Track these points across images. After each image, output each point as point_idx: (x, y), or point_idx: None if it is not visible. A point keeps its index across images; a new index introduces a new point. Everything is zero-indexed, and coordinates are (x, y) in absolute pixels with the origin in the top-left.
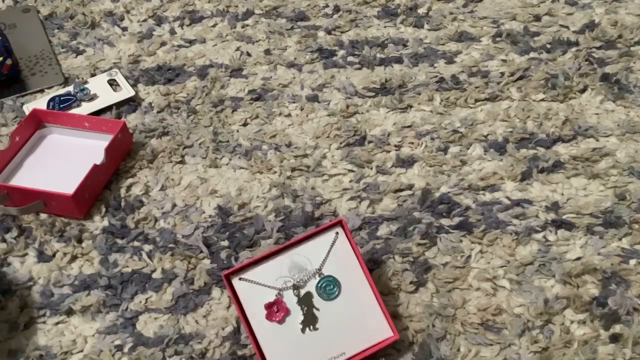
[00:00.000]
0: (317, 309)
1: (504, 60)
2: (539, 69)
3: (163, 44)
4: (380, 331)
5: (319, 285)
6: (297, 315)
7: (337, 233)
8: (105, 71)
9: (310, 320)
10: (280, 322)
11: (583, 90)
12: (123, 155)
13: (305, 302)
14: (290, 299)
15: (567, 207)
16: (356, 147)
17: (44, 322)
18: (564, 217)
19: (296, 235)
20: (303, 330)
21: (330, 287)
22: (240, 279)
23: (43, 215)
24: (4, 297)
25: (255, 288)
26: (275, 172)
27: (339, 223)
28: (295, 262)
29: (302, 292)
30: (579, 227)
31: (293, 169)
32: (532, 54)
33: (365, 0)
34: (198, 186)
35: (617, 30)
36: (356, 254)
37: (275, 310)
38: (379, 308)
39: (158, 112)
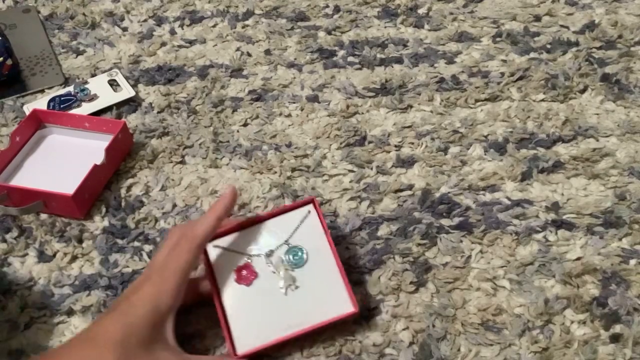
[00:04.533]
0: (292, 270)
1: (504, 61)
2: (539, 69)
3: (163, 44)
4: (342, 305)
5: (287, 252)
6: (267, 280)
7: (309, 212)
8: (105, 71)
9: (289, 280)
10: (248, 284)
11: (583, 91)
12: (123, 156)
13: (279, 267)
14: (259, 265)
15: (567, 207)
16: (356, 148)
17: (45, 322)
18: (564, 217)
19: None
20: (286, 292)
21: (297, 254)
22: (214, 246)
23: (43, 216)
24: (4, 297)
25: (227, 254)
26: (276, 172)
27: (311, 201)
28: (266, 234)
29: (274, 259)
30: (579, 227)
31: (293, 169)
32: (532, 54)
33: (366, 1)
34: (198, 186)
35: (617, 30)
36: (325, 231)
37: (245, 274)
38: (342, 282)
39: (158, 112)
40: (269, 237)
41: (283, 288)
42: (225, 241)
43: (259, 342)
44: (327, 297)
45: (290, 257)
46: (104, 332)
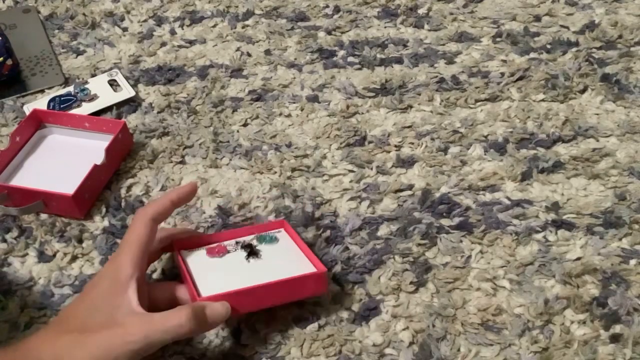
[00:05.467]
0: (259, 249)
1: (504, 61)
2: (539, 69)
3: (163, 44)
4: (308, 268)
5: (259, 237)
6: (236, 256)
7: (280, 232)
8: (105, 71)
9: (253, 253)
10: (221, 256)
11: (583, 91)
12: (123, 156)
13: (248, 246)
14: (230, 247)
15: (567, 207)
16: (356, 148)
17: (45, 323)
18: (564, 217)
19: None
20: (247, 259)
21: (269, 237)
22: (187, 249)
23: (43, 216)
24: (4, 297)
25: (197, 251)
26: (276, 172)
27: (281, 225)
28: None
29: (245, 243)
30: (579, 228)
31: (293, 169)
32: (532, 55)
33: (366, 1)
34: (198, 186)
35: (617, 30)
36: (300, 246)
37: (216, 250)
38: (308, 259)
39: (158, 112)
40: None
41: (247, 257)
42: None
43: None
44: (293, 267)
45: (262, 239)
46: (70, 315)
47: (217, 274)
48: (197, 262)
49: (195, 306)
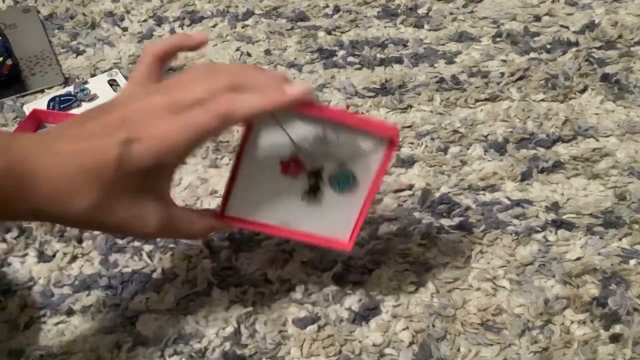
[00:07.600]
0: (322, 183)
1: (504, 61)
2: (539, 69)
3: None
4: (340, 234)
5: (335, 176)
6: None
7: (379, 144)
8: (105, 71)
9: (313, 191)
10: (294, 176)
11: (583, 91)
12: None
13: (315, 175)
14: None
15: (567, 207)
16: None
17: (44, 322)
18: (564, 217)
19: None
20: (303, 198)
21: (344, 182)
22: (272, 115)
23: None
24: (4, 297)
25: (277, 134)
26: None
27: (391, 139)
28: (324, 138)
29: (316, 165)
30: (579, 227)
31: None
32: (532, 54)
33: (366, 1)
34: (198, 186)
35: (617, 30)
36: (379, 174)
37: (293, 166)
38: (355, 219)
39: None
40: (326, 143)
41: (306, 194)
42: (283, 118)
43: (248, 217)
44: (333, 221)
45: (335, 183)
46: (96, 155)
47: (262, 192)
48: (260, 167)
49: (217, 225)
